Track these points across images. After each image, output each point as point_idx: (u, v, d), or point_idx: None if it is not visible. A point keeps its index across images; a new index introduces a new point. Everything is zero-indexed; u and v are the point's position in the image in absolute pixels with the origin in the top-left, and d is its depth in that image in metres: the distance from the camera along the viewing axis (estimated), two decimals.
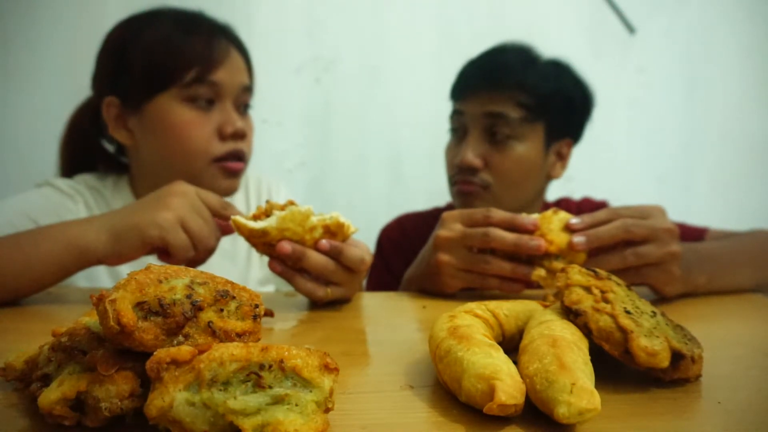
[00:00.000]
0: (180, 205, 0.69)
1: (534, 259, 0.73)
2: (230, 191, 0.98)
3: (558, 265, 0.71)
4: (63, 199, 0.96)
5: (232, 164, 0.95)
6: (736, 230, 1.00)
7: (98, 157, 1.05)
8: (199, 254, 0.72)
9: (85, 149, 1.05)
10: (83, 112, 1.05)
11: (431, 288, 0.80)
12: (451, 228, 0.77)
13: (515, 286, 0.76)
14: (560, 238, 0.71)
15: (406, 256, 0.95)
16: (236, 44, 0.98)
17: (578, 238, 0.71)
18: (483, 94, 1.07)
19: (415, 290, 0.83)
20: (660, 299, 0.77)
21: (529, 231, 0.72)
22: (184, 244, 0.69)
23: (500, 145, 1.06)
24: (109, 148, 1.05)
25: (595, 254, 0.73)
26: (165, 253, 0.71)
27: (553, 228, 0.72)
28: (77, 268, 0.70)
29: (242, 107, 0.99)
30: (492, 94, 1.07)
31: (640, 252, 0.72)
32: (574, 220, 0.72)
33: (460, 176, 1.08)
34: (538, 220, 0.73)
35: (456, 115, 1.12)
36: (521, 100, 1.06)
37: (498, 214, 0.74)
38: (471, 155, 1.06)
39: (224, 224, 0.75)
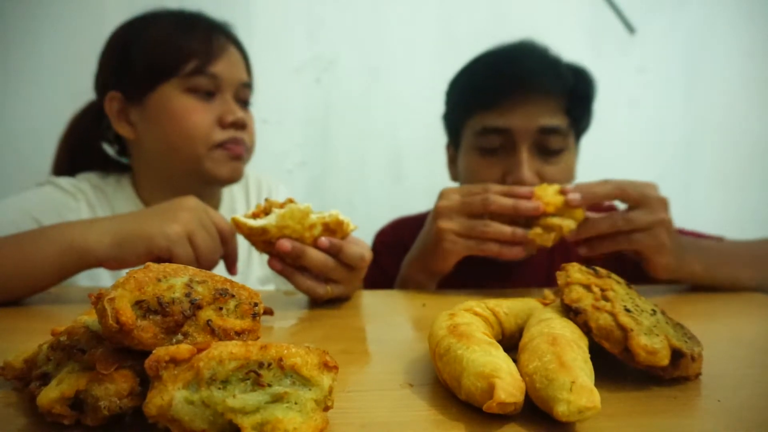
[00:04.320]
0: (189, 219, 0.70)
1: (531, 222, 0.77)
2: (235, 176, 0.99)
3: (554, 221, 0.76)
4: (65, 197, 0.96)
5: (233, 146, 0.96)
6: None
7: (97, 161, 1.06)
8: (201, 268, 0.73)
9: (83, 152, 1.06)
10: (84, 115, 1.06)
11: (431, 263, 0.81)
12: (450, 198, 0.80)
13: (514, 250, 0.78)
14: (556, 200, 0.76)
15: (401, 259, 0.95)
16: (234, 42, 1.01)
17: (573, 195, 0.75)
18: (531, 107, 0.94)
19: (414, 275, 0.84)
20: (659, 295, 0.77)
21: (526, 198, 0.76)
22: (188, 258, 0.69)
23: (552, 157, 0.97)
24: (110, 151, 1.06)
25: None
26: (165, 263, 0.71)
27: (549, 193, 0.77)
28: (77, 269, 0.70)
29: (242, 103, 1.01)
30: (542, 105, 0.95)
31: (630, 216, 0.76)
32: (570, 187, 0.77)
33: None
34: (535, 190, 0.78)
35: (492, 133, 0.96)
36: (567, 107, 0.97)
37: (496, 186, 0.78)
38: (529, 173, 0.94)
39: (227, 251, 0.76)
